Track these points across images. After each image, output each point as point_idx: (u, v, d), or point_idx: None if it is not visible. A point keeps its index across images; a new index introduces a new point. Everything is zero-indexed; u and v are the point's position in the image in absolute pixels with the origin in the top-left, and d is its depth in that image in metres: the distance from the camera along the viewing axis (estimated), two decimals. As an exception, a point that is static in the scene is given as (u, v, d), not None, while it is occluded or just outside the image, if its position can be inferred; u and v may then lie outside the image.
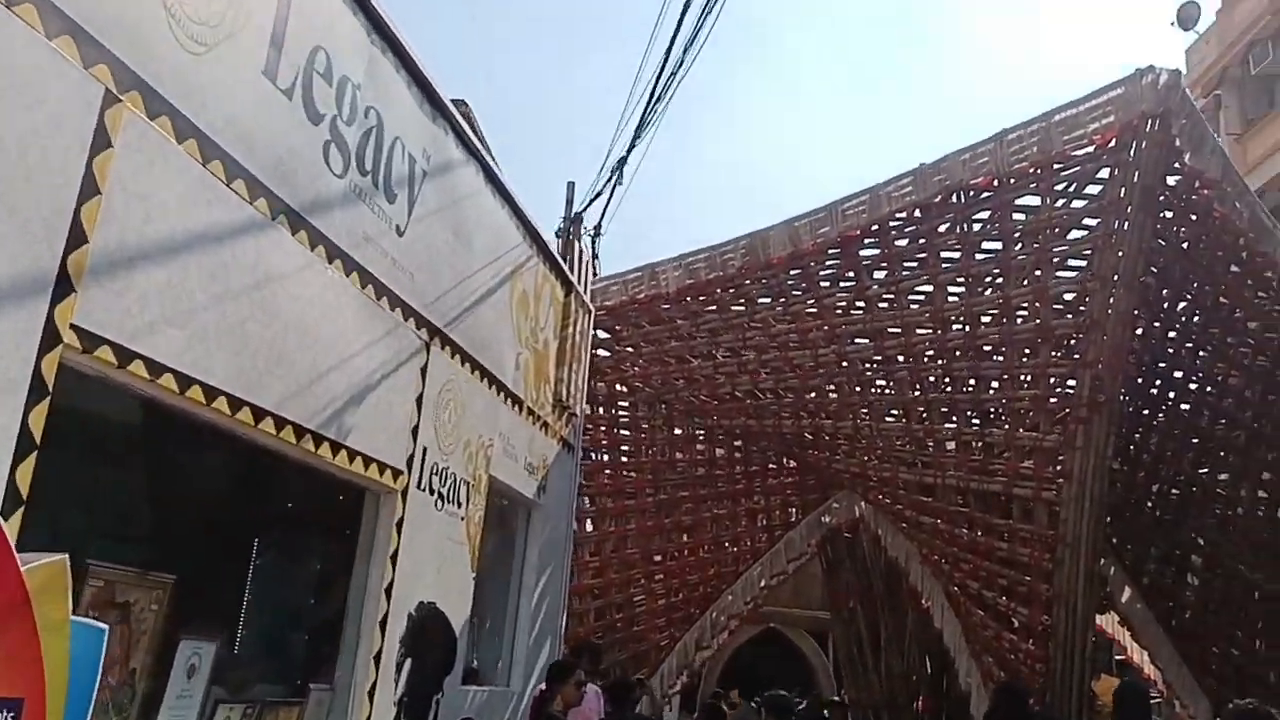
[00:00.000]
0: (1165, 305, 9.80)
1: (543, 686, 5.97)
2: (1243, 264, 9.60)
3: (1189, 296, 9.78)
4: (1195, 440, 10.63)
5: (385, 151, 4.76)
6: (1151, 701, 12.26)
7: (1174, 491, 11.11)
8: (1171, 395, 10.46)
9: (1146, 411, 10.36)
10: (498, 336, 6.34)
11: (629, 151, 9.94)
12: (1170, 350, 10.10)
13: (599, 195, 9.64)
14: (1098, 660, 9.89)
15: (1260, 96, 20.25)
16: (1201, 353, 10.25)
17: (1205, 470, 11.02)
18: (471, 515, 5.99)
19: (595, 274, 12.20)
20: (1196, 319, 10.01)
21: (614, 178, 9.38)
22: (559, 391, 7.47)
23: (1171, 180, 8.54)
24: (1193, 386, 10.33)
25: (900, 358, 9.26)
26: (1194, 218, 9.13)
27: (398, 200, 4.90)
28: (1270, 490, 11.32)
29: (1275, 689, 10.92)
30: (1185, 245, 9.37)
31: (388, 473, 4.92)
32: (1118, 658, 13.16)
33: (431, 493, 5.42)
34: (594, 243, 13.19)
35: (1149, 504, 10.90)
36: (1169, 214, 9.05)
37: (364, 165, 4.58)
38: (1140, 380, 10.02)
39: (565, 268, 7.69)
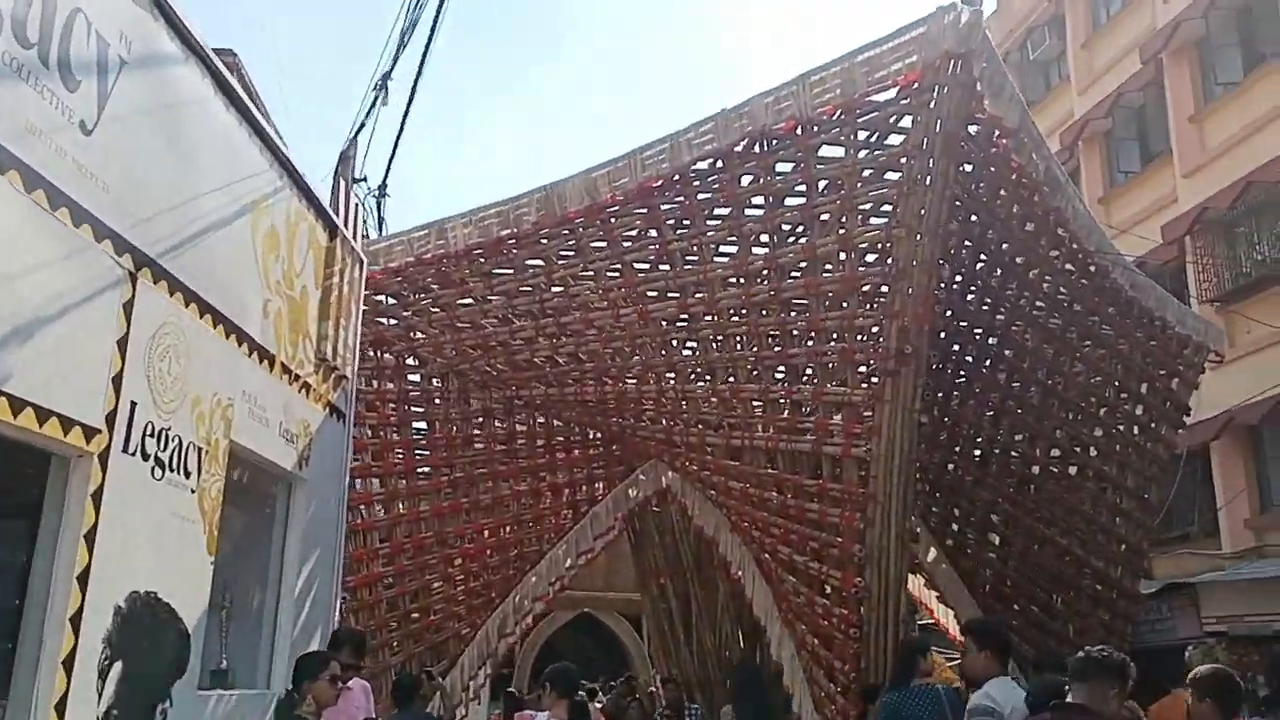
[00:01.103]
0: (966, 262, 9.72)
1: (289, 686, 5.08)
2: (1037, 220, 9.63)
3: (988, 252, 9.73)
4: (995, 398, 10.65)
5: (60, 24, 3.78)
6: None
7: (976, 451, 11.12)
8: (972, 353, 10.42)
9: (949, 369, 10.28)
10: (237, 277, 5.39)
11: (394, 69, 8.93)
12: (970, 307, 10.04)
13: (363, 126, 8.61)
14: (910, 622, 9.73)
15: (1037, 79, 21.09)
16: (1000, 312, 10.25)
17: (1003, 430, 11.08)
18: (206, 487, 5.03)
19: (381, 232, 11.26)
20: (996, 276, 9.98)
21: (379, 98, 8.38)
22: (323, 349, 6.55)
23: (973, 129, 8.38)
24: (992, 343, 10.31)
25: (706, 316, 8.78)
26: (993, 170, 9.05)
27: (81, 89, 3.92)
28: (1063, 448, 11.52)
29: (1072, 642, 11.11)
30: (984, 199, 9.29)
31: (76, 431, 3.94)
32: (922, 621, 13.24)
33: (146, 458, 4.45)
34: (379, 204, 12.24)
35: (952, 463, 10.86)
36: (968, 167, 8.92)
37: (26, 36, 3.59)
38: (943, 336, 9.90)
39: (329, 209, 6.76)
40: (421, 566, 10.53)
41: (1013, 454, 11.39)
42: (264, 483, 6.15)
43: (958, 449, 10.91)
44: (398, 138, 10.14)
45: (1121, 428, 11.81)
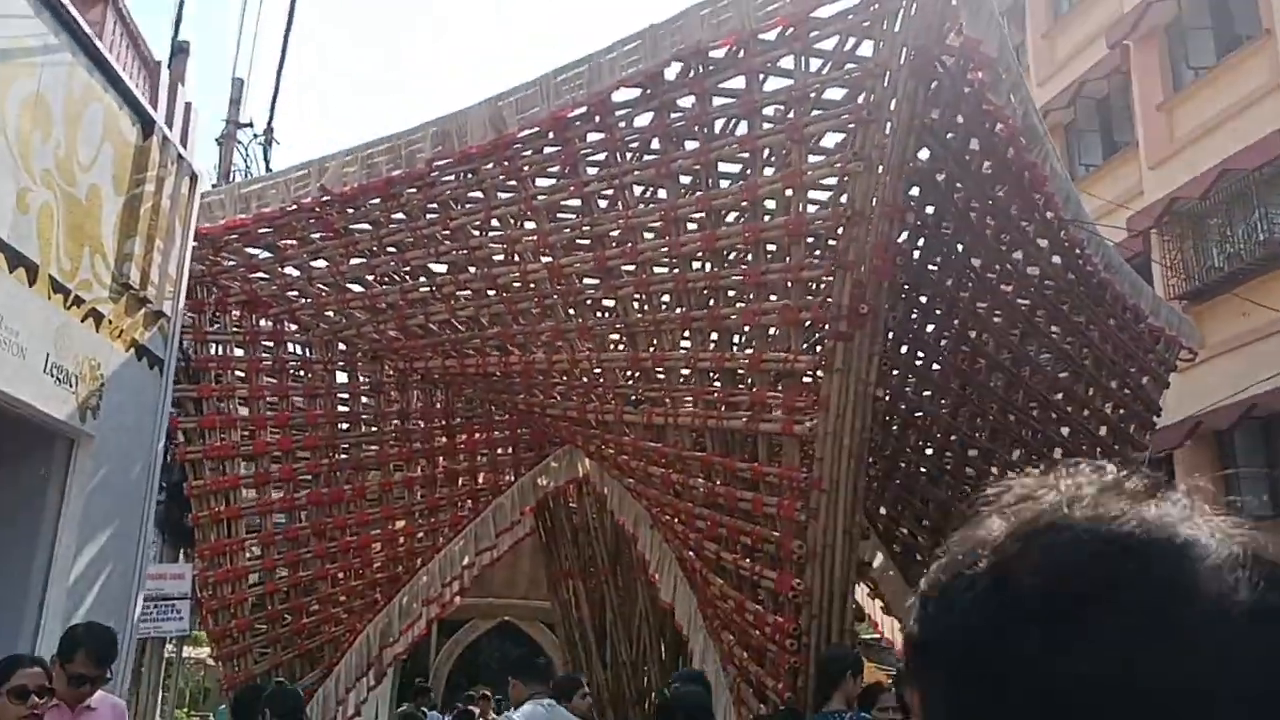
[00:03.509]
0: (930, 223, 8.48)
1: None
2: (1010, 180, 8.46)
3: (954, 213, 8.51)
4: (955, 384, 9.44)
5: None
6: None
7: (930, 444, 9.91)
8: (931, 330, 9.18)
9: (906, 347, 9.03)
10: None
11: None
12: (932, 277, 8.81)
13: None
14: (857, 633, 8.45)
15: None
16: (965, 286, 9.05)
17: (963, 421, 9.88)
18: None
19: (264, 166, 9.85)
20: (962, 243, 8.78)
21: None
22: (124, 272, 5.12)
23: (947, 59, 7.18)
24: (955, 321, 9.09)
25: (626, 270, 7.48)
26: (963, 116, 7.84)
27: None
28: (1027, 447, 10.38)
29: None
30: (954, 147, 8.08)
31: None
32: (865, 636, 12.02)
33: None
34: (266, 151, 10.82)
35: (904, 459, 9.63)
36: (936, 114, 7.71)
37: None
38: (900, 306, 8.65)
39: (144, 101, 5.33)
40: (296, 561, 9.09)
41: (970, 452, 10.21)
42: (23, 435, 4.70)
43: (911, 440, 9.68)
44: (279, 69, 8.70)
45: (1090, 426, 10.71)
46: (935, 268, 8.92)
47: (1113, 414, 11.02)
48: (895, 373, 8.95)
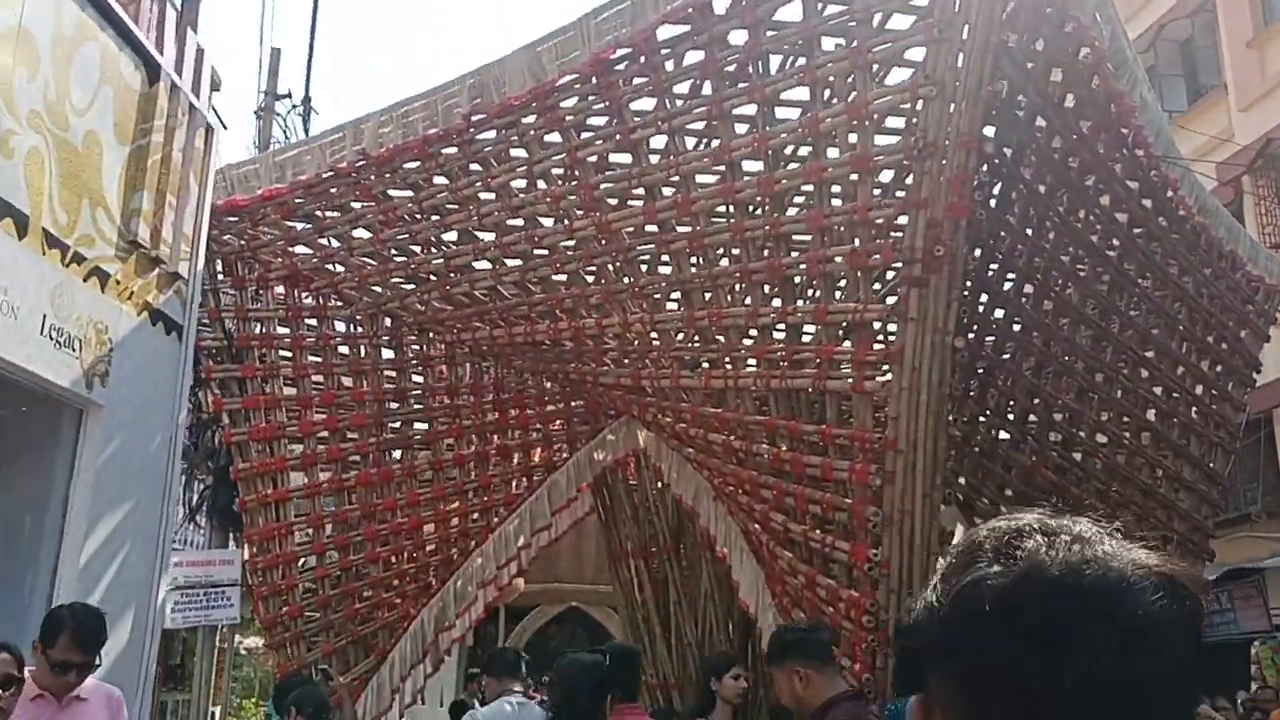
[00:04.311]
0: (1010, 162, 7.81)
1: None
2: (1097, 113, 7.76)
3: (1036, 150, 7.82)
4: (1039, 339, 8.73)
5: None
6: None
7: (1012, 406, 9.21)
8: (1012, 281, 8.49)
9: (985, 300, 8.36)
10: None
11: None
12: (1012, 222, 8.13)
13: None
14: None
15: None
16: (1046, 231, 8.35)
17: (1048, 381, 9.17)
18: None
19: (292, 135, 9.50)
20: (1044, 185, 8.08)
21: None
22: (133, 228, 4.72)
23: (1021, -26, 6.52)
24: (1037, 270, 8.39)
25: (678, 223, 6.95)
26: (1043, 41, 7.17)
27: None
28: (1117, 406, 9.64)
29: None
30: (1035, 78, 7.40)
31: None
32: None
33: None
34: (306, 120, 10.49)
35: (985, 419, 8.95)
36: (1013, 39, 7.05)
37: None
38: (978, 254, 7.98)
39: (149, 44, 4.93)
40: (346, 545, 8.75)
41: (1056, 414, 9.49)
42: (25, 404, 4.33)
43: (991, 402, 9.00)
44: (312, 29, 8.31)
45: (1185, 384, 9.94)
46: (1014, 215, 8.24)
47: (1209, 370, 10.25)
48: (975, 330, 8.28)
